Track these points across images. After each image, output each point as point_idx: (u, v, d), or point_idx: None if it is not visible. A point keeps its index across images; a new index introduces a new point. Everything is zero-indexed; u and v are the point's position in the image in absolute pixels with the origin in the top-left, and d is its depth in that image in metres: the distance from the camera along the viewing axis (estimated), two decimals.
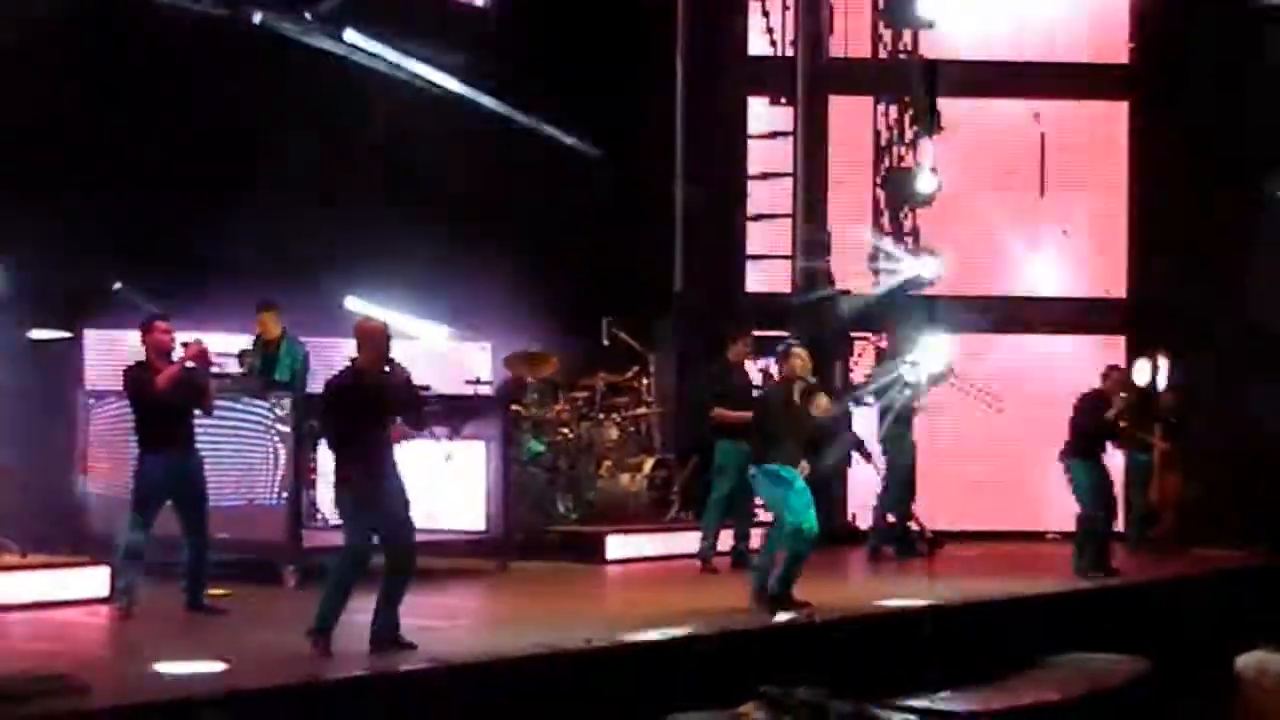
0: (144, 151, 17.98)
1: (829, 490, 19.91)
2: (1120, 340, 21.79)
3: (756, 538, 16.69)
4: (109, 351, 17.71)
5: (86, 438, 16.37)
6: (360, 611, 11.96)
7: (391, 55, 19.92)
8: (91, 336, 18.24)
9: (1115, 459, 18.66)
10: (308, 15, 19.75)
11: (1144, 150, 22.31)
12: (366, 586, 11.99)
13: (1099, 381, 17.65)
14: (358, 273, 19.06)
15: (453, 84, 20.49)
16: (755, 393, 16.64)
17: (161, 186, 17.94)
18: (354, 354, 12.24)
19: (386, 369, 12.11)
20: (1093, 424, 17.33)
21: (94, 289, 17.63)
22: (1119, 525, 18.61)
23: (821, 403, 14.51)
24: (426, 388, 16.64)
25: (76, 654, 12.06)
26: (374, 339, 12.13)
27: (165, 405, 13.58)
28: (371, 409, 11.97)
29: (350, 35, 19.84)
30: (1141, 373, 20.04)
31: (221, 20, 19.73)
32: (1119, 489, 19.56)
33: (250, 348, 17.07)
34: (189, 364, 13.68)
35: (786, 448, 14.41)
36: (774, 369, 14.95)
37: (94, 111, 17.76)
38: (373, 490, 11.84)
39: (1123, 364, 20.64)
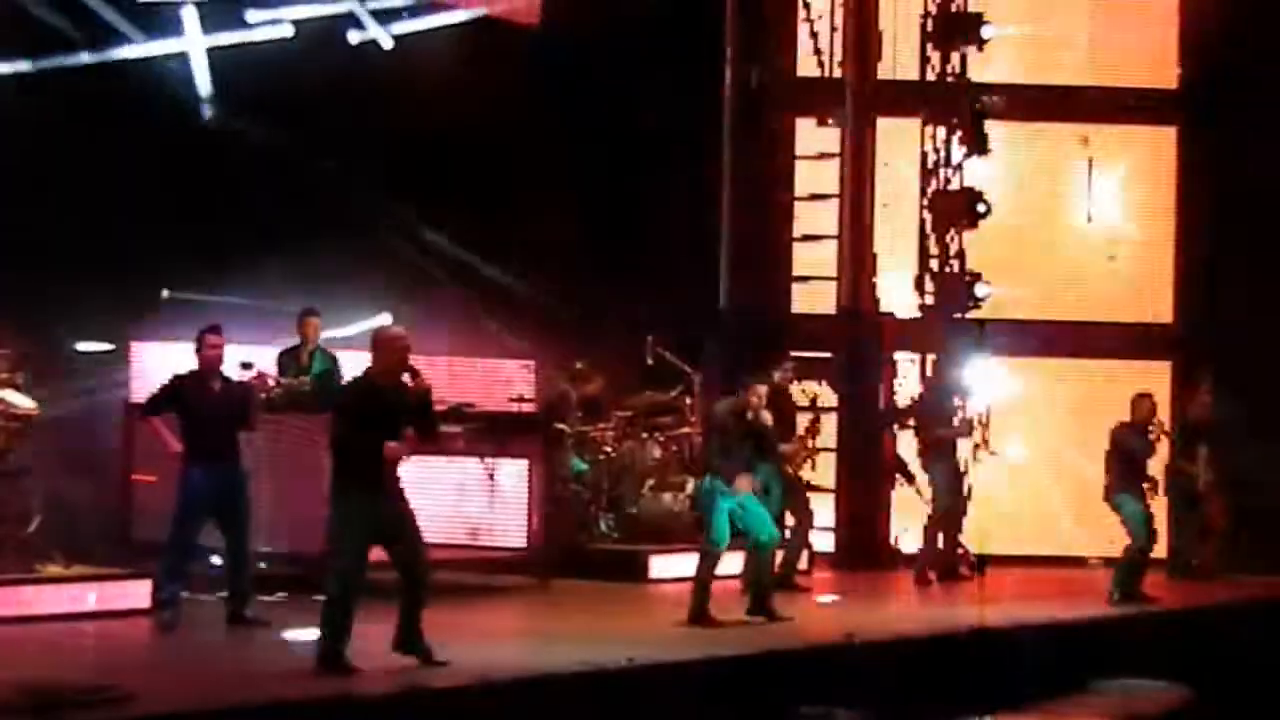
0: (190, 163, 18.08)
1: (868, 512, 19.99)
2: (1166, 366, 21.67)
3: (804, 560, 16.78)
4: (157, 364, 17.76)
5: (132, 450, 16.38)
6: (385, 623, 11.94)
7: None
8: (139, 348, 18.30)
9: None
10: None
11: (1192, 176, 22.21)
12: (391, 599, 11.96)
13: (1129, 411, 17.63)
14: (401, 291, 19.10)
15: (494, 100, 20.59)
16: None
17: (206, 200, 18.03)
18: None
19: (408, 379, 11.97)
20: (1125, 454, 17.30)
21: (142, 300, 17.73)
22: (1160, 553, 18.53)
23: (743, 483, 15.07)
24: (470, 405, 16.72)
25: (120, 665, 12.10)
26: (390, 348, 11.93)
27: (211, 418, 13.63)
28: (380, 420, 11.74)
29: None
30: (1187, 400, 19.97)
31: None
32: (1162, 516, 19.54)
33: (277, 362, 17.07)
34: (253, 386, 13.77)
35: (730, 466, 14.95)
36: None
37: (140, 120, 17.86)
38: (370, 505, 11.66)
39: (1169, 391, 20.60)
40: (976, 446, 19.85)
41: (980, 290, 20.74)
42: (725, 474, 14.96)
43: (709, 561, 15.06)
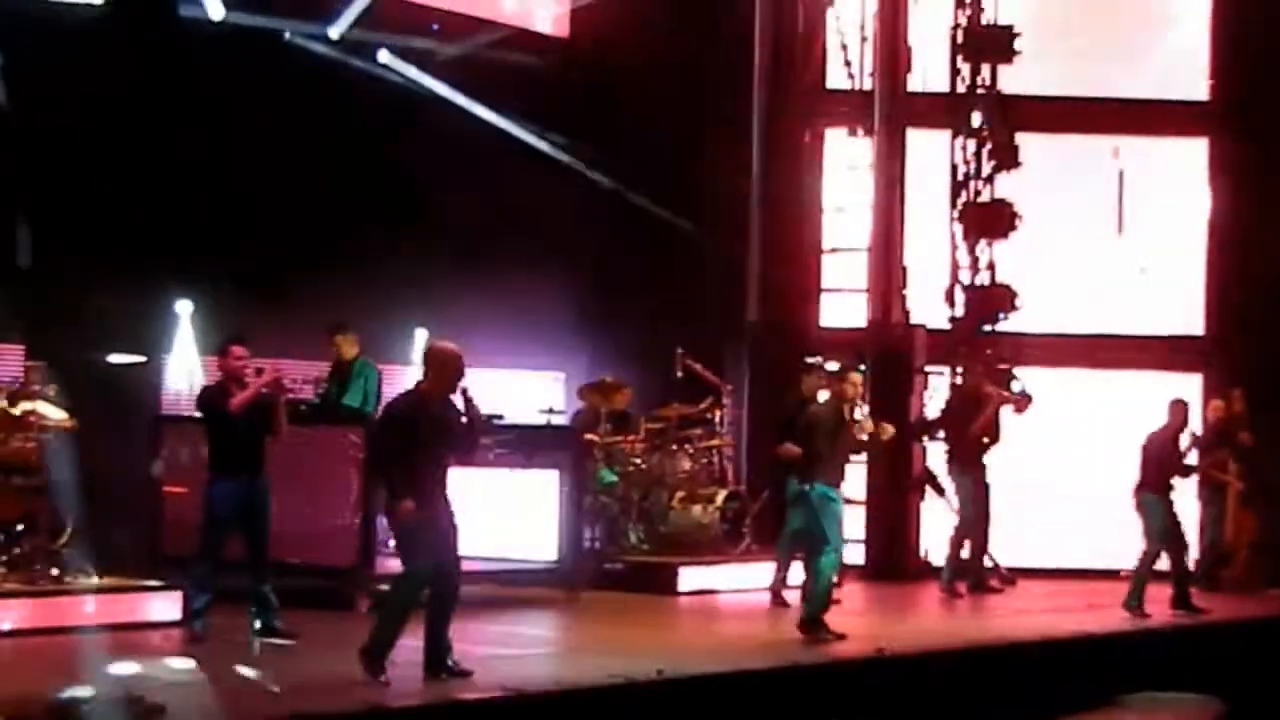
0: (226, 176, 18.18)
1: (898, 524, 19.94)
2: (1198, 378, 21.63)
3: None
4: (186, 375, 17.85)
5: (162, 461, 16.42)
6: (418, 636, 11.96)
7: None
8: (169, 360, 18.39)
9: (1191, 497, 18.55)
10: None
11: (1223, 187, 22.17)
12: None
13: (1166, 416, 17.62)
14: (433, 303, 19.17)
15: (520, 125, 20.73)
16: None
17: (244, 214, 18.13)
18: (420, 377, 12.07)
19: (463, 398, 11.96)
20: (1161, 459, 17.30)
21: (171, 314, 17.82)
22: (1190, 566, 18.47)
23: (886, 429, 14.69)
24: (499, 416, 16.72)
25: (150, 676, 12.12)
26: (444, 365, 11.90)
27: (237, 429, 13.65)
28: (428, 437, 11.71)
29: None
30: (1218, 410, 19.94)
31: (308, 55, 19.98)
32: (1194, 527, 19.50)
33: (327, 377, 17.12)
34: (263, 390, 13.73)
35: (832, 467, 14.62)
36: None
37: (179, 139, 17.96)
38: (421, 519, 11.63)
39: (1200, 401, 20.54)
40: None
41: (1010, 302, 20.72)
42: (832, 477, 14.65)
43: (835, 568, 14.69)
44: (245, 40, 19.56)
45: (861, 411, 14.95)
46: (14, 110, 17.14)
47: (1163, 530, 17.30)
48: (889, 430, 14.94)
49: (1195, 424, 18.03)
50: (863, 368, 16.02)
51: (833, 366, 16.99)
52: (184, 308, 18.39)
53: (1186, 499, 18.41)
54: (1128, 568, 17.92)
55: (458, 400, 11.95)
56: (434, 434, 11.75)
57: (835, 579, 14.83)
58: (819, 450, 14.69)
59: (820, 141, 22.34)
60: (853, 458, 15.19)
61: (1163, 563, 17.52)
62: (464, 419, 11.99)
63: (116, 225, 17.42)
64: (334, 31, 20.05)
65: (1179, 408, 17.67)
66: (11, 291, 16.76)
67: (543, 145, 21.97)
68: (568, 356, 21.41)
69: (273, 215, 18.49)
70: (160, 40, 18.47)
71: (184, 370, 18.29)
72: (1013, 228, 20.95)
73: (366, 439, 15.31)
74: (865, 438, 14.92)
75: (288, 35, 19.99)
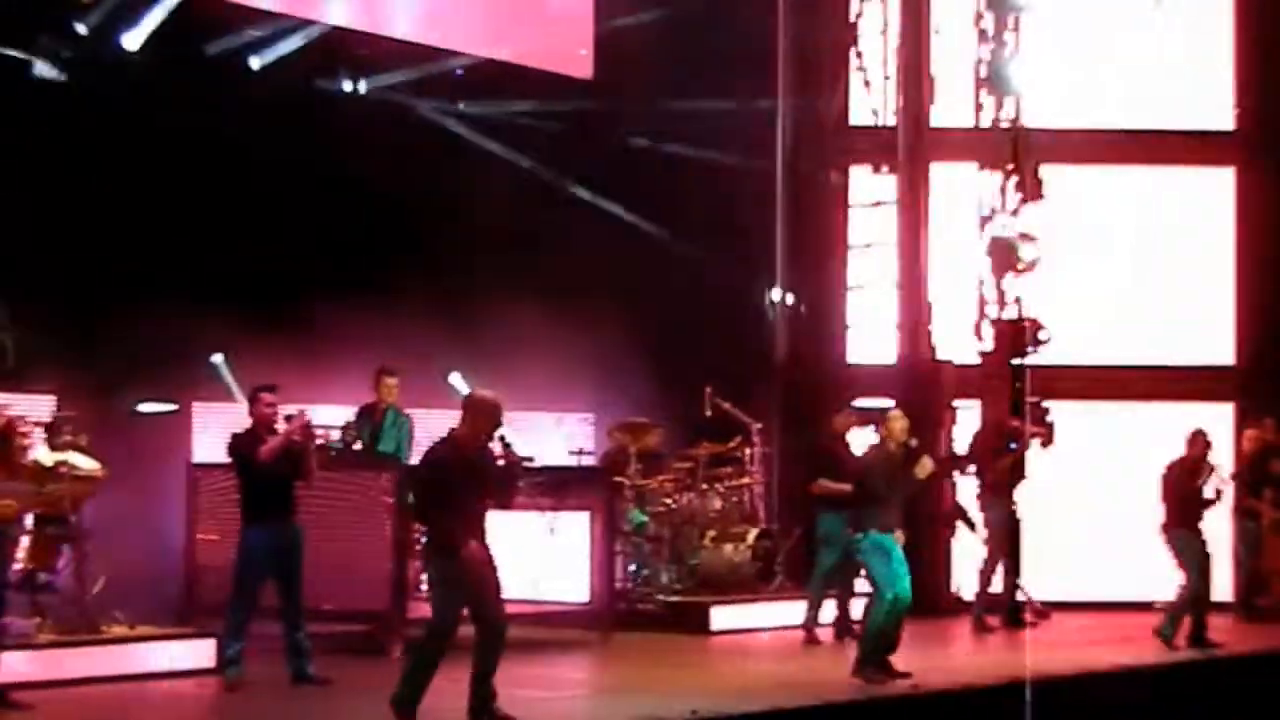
0: (257, 221, 18.29)
1: (929, 559, 19.87)
2: (1228, 408, 21.58)
3: (859, 608, 16.59)
4: (216, 424, 17.89)
5: (194, 510, 16.46)
6: (458, 680, 11.95)
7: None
8: (199, 409, 18.44)
9: (1224, 527, 18.51)
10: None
11: (1249, 217, 22.15)
12: (462, 655, 11.97)
13: (1185, 448, 17.57)
14: (463, 346, 19.22)
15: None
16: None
17: (272, 258, 18.22)
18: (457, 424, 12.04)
19: (501, 445, 11.96)
20: (1182, 491, 17.25)
21: (202, 361, 17.89)
22: (1228, 595, 18.43)
23: (926, 464, 14.63)
24: (530, 458, 16.72)
25: None
26: (483, 413, 11.88)
27: (268, 475, 13.69)
28: (465, 483, 11.71)
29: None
30: (1253, 441, 19.88)
31: (332, 92, 20.12)
32: (1229, 557, 19.45)
33: (354, 419, 17.12)
34: (293, 437, 13.78)
35: (886, 512, 14.53)
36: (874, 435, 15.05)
37: (205, 182, 18.08)
38: (460, 566, 11.62)
39: (1232, 431, 20.50)
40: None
41: (1038, 335, 20.70)
42: (881, 523, 14.48)
43: (894, 615, 14.43)
44: (274, 83, 19.70)
45: (910, 450, 14.87)
46: (46, 157, 17.28)
47: (1196, 562, 17.23)
48: (929, 466, 14.89)
49: (1218, 455, 17.89)
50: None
51: (876, 404, 16.97)
52: (217, 355, 18.47)
53: (1221, 529, 18.34)
54: (1161, 599, 17.87)
55: (496, 447, 11.97)
56: (471, 480, 11.74)
57: (887, 623, 14.68)
58: (877, 495, 14.60)
59: (845, 178, 22.36)
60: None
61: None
62: (501, 465, 12.01)
63: (147, 271, 17.51)
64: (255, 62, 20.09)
65: (1198, 438, 17.61)
66: (43, 339, 16.85)
67: (571, 188, 22.09)
68: (597, 397, 21.44)
69: (303, 259, 18.58)
70: (195, 82, 18.63)
71: (215, 418, 18.35)
72: (1039, 260, 20.92)
73: (397, 484, 15.36)
74: (924, 476, 14.87)
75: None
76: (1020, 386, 20.47)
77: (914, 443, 14.75)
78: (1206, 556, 17.40)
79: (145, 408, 18.02)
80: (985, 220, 21.35)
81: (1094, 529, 21.32)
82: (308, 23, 19.80)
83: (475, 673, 11.85)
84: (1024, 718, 13.89)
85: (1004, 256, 21.14)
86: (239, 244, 18.21)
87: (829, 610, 17.63)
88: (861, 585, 16.29)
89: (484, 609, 11.80)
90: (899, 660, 14.51)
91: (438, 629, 11.85)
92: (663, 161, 21.80)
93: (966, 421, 20.92)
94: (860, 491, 14.84)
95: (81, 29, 18.48)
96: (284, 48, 19.92)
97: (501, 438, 11.96)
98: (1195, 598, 17.17)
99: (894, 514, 14.58)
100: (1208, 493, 17.39)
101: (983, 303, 21.27)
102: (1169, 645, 17.04)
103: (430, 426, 17.24)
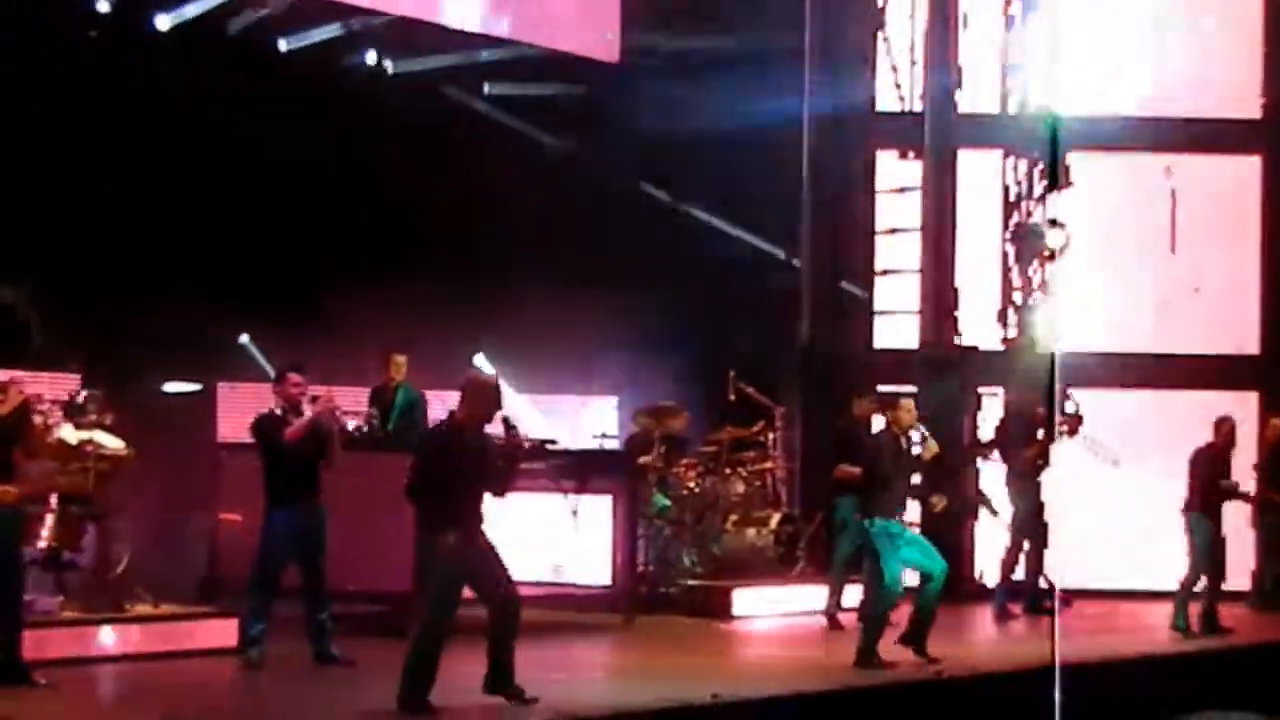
0: (278, 205, 18.31)
1: (952, 545, 19.84)
2: (1253, 397, 21.52)
3: None
4: (242, 404, 17.94)
5: (218, 489, 16.50)
6: (473, 662, 11.96)
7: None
8: (224, 389, 18.48)
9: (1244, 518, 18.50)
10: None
11: (1276, 206, 22.08)
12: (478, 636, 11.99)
13: (1212, 434, 17.56)
14: (489, 330, 19.24)
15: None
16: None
17: (295, 241, 18.25)
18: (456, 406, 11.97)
19: (504, 426, 11.93)
20: (1206, 477, 17.24)
21: (227, 341, 17.93)
22: (1245, 584, 18.43)
23: (931, 446, 14.68)
24: (553, 441, 16.76)
25: (207, 704, 12.21)
26: (481, 395, 11.84)
27: (293, 457, 13.71)
28: (463, 466, 11.65)
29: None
30: (1277, 429, 19.85)
31: (359, 76, 20.15)
32: (1251, 547, 19.42)
33: (368, 405, 17.15)
34: (317, 419, 13.78)
35: (890, 496, 14.63)
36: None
37: (228, 164, 18.11)
38: (456, 547, 11.57)
39: (1256, 420, 20.45)
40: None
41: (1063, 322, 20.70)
42: (886, 509, 14.59)
43: (884, 605, 14.56)
44: (299, 64, 19.74)
45: (920, 432, 14.90)
46: (74, 139, 17.33)
47: (1206, 550, 17.24)
48: (934, 448, 14.91)
49: (1246, 442, 17.89)
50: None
51: (899, 390, 16.99)
52: (244, 336, 18.52)
53: (1241, 519, 18.33)
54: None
55: (498, 429, 11.95)
56: (469, 463, 11.68)
57: (889, 612, 14.75)
58: (884, 480, 14.67)
59: (872, 164, 22.34)
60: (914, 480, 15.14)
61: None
62: (502, 448, 11.97)
63: (173, 252, 17.56)
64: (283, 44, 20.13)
65: (1225, 425, 17.61)
66: (68, 319, 16.90)
67: (597, 173, 22.10)
68: (621, 381, 21.46)
69: (327, 240, 18.61)
70: (221, 65, 18.68)
71: (240, 398, 18.40)
72: (1064, 247, 20.89)
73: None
74: (928, 457, 14.92)
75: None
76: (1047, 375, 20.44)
77: (920, 433, 14.81)
78: (1219, 543, 17.41)
79: (170, 387, 18.07)
80: (1011, 207, 21.32)
81: (1116, 517, 21.28)
82: (334, 5, 19.81)
83: (489, 649, 11.84)
84: (1045, 705, 13.88)
85: (1030, 243, 21.12)
86: (265, 227, 18.26)
87: (851, 595, 17.61)
88: None
89: (487, 589, 11.79)
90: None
91: (432, 616, 11.76)
92: (688, 146, 21.77)
93: (991, 408, 20.91)
94: (867, 476, 14.90)
95: (105, 6, 18.54)
96: (313, 33, 19.97)
97: (505, 419, 11.93)
98: (1198, 581, 17.19)
99: (899, 498, 14.70)
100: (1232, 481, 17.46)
101: (1008, 289, 21.24)
102: (1186, 635, 17.03)
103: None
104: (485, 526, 11.83)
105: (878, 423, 17.47)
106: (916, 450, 14.84)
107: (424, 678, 11.62)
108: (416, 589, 14.91)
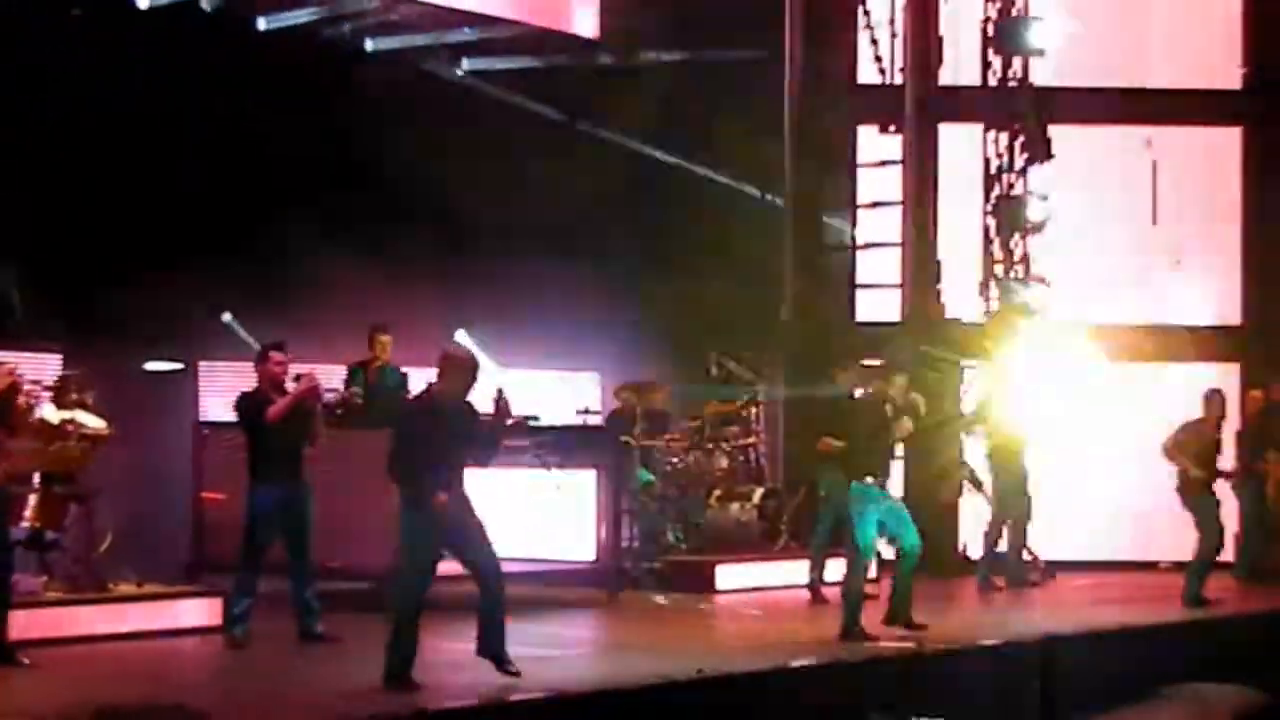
0: (260, 183, 18.26)
1: (935, 518, 19.87)
2: (1235, 368, 21.55)
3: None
4: (224, 382, 17.91)
5: (201, 468, 16.47)
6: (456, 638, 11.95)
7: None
8: (206, 367, 18.44)
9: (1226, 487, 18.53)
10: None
11: (1257, 177, 22.11)
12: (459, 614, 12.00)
13: (1202, 408, 17.55)
14: (468, 305, 19.21)
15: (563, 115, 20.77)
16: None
17: (276, 218, 18.20)
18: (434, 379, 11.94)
19: (495, 402, 11.92)
20: (1198, 452, 17.25)
21: (208, 320, 17.88)
22: (1228, 555, 18.44)
23: (905, 425, 14.68)
24: (535, 417, 16.73)
25: (192, 683, 12.19)
26: (457, 369, 11.83)
27: (276, 436, 13.68)
28: (438, 437, 11.64)
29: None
30: (1256, 401, 19.87)
31: (339, 52, 20.09)
32: (1234, 518, 19.43)
33: (346, 377, 17.09)
34: (301, 397, 13.76)
35: (869, 458, 14.62)
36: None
37: (209, 142, 18.07)
38: (427, 520, 11.57)
39: (1237, 391, 20.47)
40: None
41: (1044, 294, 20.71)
42: (867, 468, 14.56)
43: (859, 572, 14.57)
44: (277, 44, 19.68)
45: (910, 398, 14.93)
46: (56, 115, 17.26)
47: (1214, 522, 17.22)
48: (908, 427, 14.91)
49: (1228, 413, 17.92)
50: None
51: (873, 362, 16.98)
52: (226, 314, 18.47)
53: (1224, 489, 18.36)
54: (1166, 559, 17.88)
55: (488, 404, 11.94)
56: (444, 435, 11.67)
57: (866, 582, 14.78)
58: (864, 440, 14.69)
59: (852, 137, 22.30)
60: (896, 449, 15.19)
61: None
62: (486, 420, 11.97)
63: (153, 230, 17.50)
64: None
65: (1216, 399, 17.62)
66: (50, 297, 16.85)
67: (578, 142, 22.05)
68: (603, 356, 21.44)
69: (306, 217, 18.54)
70: (203, 39, 18.63)
71: (222, 376, 18.36)
72: (1046, 220, 20.90)
73: None
74: (902, 436, 14.97)
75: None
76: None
77: (914, 398, 14.84)
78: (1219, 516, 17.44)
79: (152, 366, 18.03)
80: (993, 179, 21.30)
81: (1096, 488, 21.32)
82: None
83: (479, 617, 11.84)
84: (1028, 677, 13.93)
85: (1011, 216, 21.11)
86: (245, 203, 18.20)
87: (833, 569, 17.61)
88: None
89: (469, 556, 11.78)
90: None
91: (407, 585, 11.76)
92: (668, 120, 21.73)
93: (973, 380, 20.90)
94: (850, 437, 14.90)
95: None
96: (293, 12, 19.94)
97: (499, 391, 11.93)
98: (1211, 557, 17.22)
99: (875, 461, 14.68)
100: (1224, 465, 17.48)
101: (990, 262, 21.23)
102: (1200, 605, 16.99)
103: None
104: (468, 496, 11.82)
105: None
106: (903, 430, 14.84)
107: (405, 649, 11.61)
108: (396, 561, 15.02)
